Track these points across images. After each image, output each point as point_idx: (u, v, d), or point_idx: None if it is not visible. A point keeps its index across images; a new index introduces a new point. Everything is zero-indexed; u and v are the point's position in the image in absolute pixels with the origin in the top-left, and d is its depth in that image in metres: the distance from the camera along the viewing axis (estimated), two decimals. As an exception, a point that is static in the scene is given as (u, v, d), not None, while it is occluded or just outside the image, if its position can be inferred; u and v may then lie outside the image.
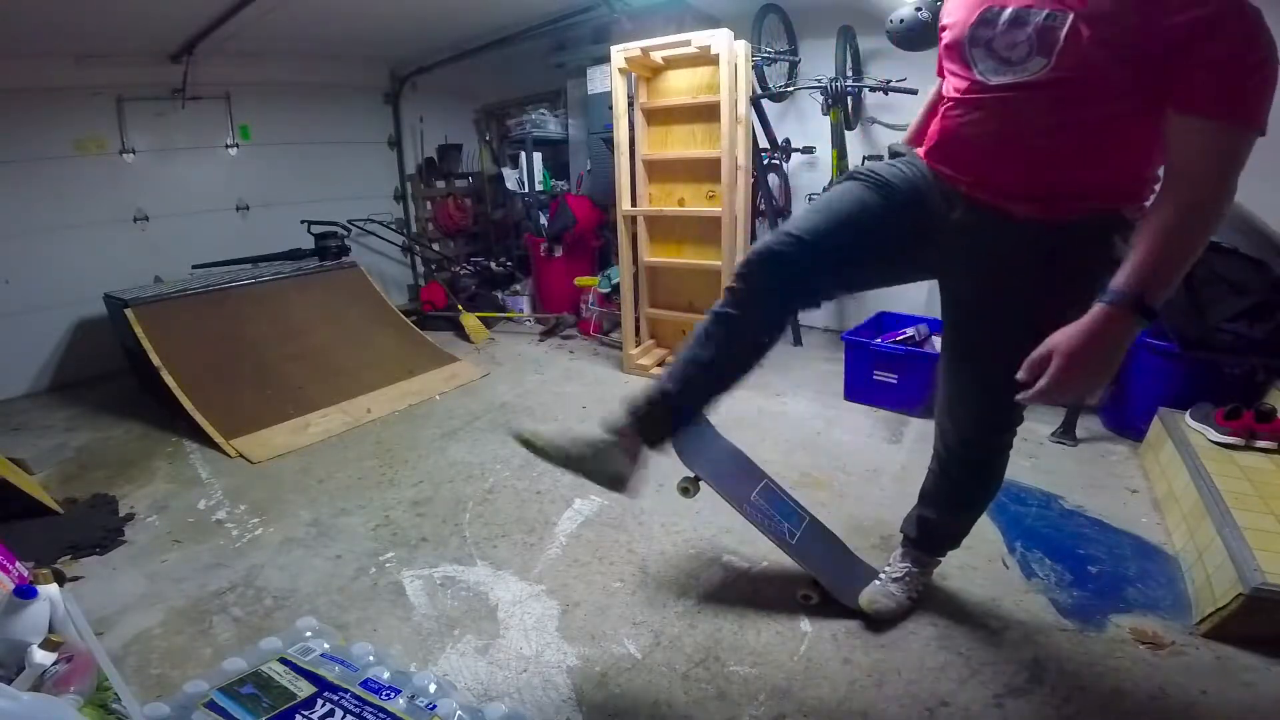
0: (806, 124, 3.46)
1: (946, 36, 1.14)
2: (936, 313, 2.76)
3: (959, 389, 1.29)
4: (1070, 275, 1.09)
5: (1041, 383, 0.96)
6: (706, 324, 1.28)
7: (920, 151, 1.23)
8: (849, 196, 1.21)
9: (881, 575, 1.52)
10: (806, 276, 1.19)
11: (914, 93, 2.78)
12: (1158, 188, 0.97)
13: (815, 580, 1.52)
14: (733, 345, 1.28)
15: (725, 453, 1.62)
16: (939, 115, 1.19)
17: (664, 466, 2.20)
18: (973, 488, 1.41)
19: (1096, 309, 0.94)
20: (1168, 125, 0.93)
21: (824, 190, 2.99)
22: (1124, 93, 0.95)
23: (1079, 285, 1.09)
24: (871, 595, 1.47)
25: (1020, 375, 0.99)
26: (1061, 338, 0.96)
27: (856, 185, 1.22)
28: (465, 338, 3.88)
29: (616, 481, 1.25)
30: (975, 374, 1.25)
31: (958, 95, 1.12)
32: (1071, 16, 0.93)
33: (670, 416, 1.30)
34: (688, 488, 1.46)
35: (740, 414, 2.67)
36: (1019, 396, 1.00)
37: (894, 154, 1.30)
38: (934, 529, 1.48)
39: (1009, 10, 1.00)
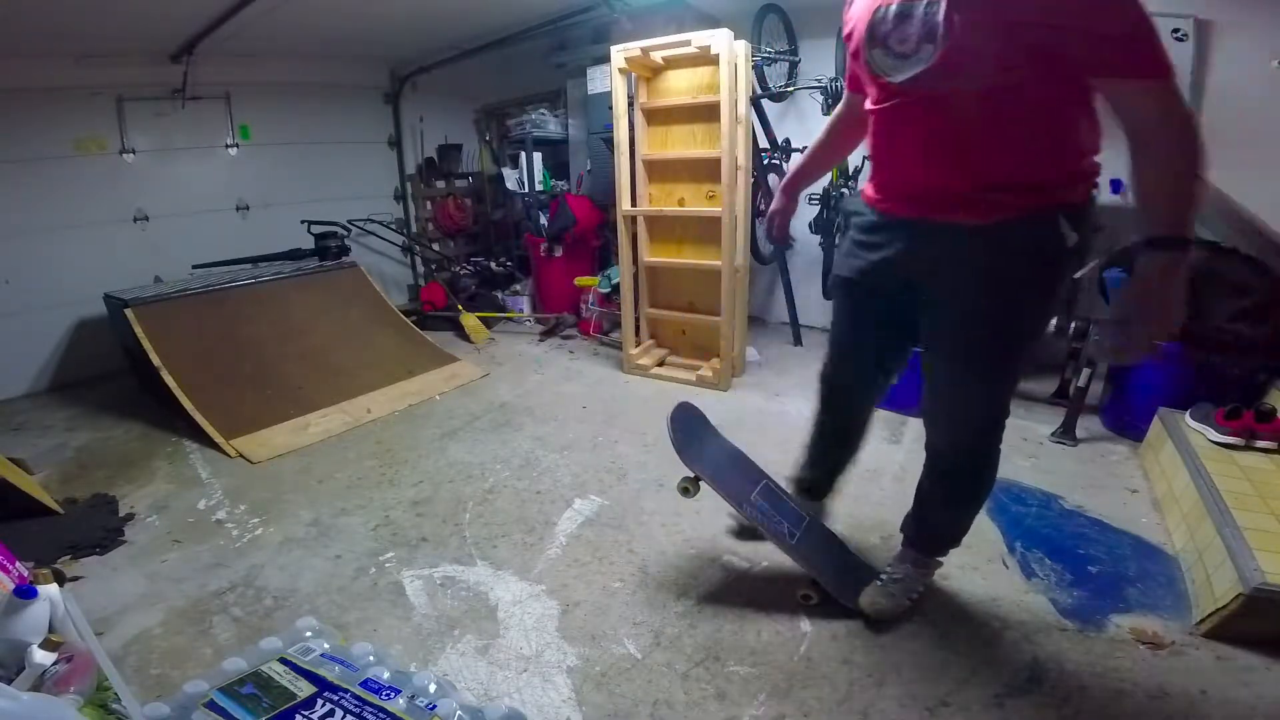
0: (806, 124, 3.46)
1: (850, 44, 1.20)
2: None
3: (937, 396, 1.32)
4: (1020, 273, 1.12)
5: (1129, 340, 1.01)
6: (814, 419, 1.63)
7: (863, 195, 1.31)
8: (841, 323, 1.45)
9: (882, 576, 1.52)
10: (859, 385, 1.48)
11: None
12: (1130, 159, 1.01)
13: (815, 580, 1.52)
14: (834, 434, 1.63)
15: (726, 453, 1.64)
16: (869, 150, 1.27)
17: (664, 466, 2.21)
18: (964, 487, 1.41)
19: (1144, 258, 0.99)
20: (1109, 99, 1.00)
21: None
22: (1013, 66, 0.99)
23: (1032, 281, 1.13)
24: (871, 596, 1.48)
25: (1110, 343, 1.05)
26: (1130, 300, 1.01)
27: (840, 304, 1.44)
28: (465, 338, 3.88)
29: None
30: (949, 379, 1.28)
31: (874, 108, 1.19)
32: (943, 2, 0.99)
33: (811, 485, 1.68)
34: (688, 487, 1.53)
35: (740, 414, 2.68)
36: (1115, 348, 1.05)
37: (847, 214, 1.44)
38: (931, 529, 1.49)
39: (894, 6, 1.06)
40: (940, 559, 1.54)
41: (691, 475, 1.48)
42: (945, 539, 1.50)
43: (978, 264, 1.13)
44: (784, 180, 1.59)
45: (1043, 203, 1.08)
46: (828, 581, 1.51)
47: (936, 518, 1.47)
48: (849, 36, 1.20)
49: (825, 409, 1.60)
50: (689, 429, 1.62)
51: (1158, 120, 0.96)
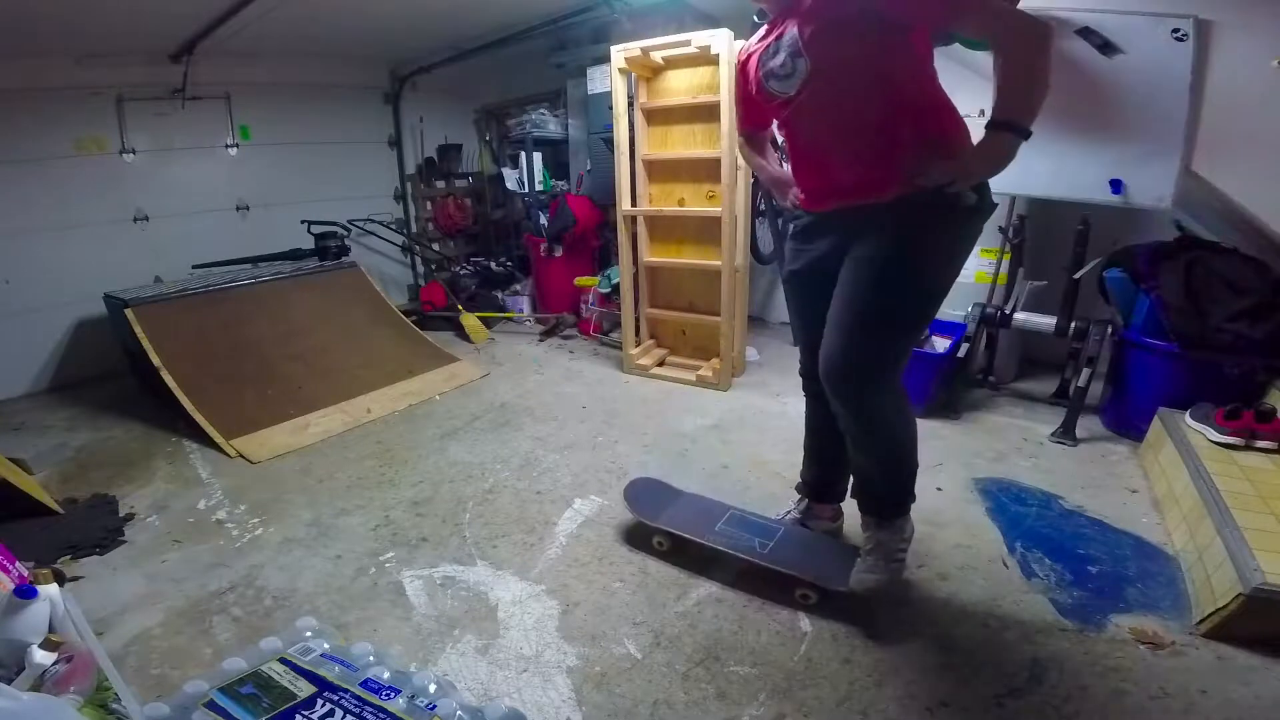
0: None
1: (752, 87, 1.47)
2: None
3: (832, 320, 1.41)
4: (928, 230, 1.32)
5: (943, 168, 1.24)
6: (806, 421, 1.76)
7: (799, 201, 1.55)
8: (800, 314, 1.64)
9: (859, 554, 1.52)
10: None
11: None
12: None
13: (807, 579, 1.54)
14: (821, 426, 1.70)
15: (684, 503, 1.87)
16: (790, 164, 1.54)
17: (664, 466, 2.21)
18: (863, 426, 1.43)
19: (986, 135, 1.21)
20: (972, 33, 1.29)
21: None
22: (872, 56, 1.26)
23: (937, 236, 1.33)
24: (855, 576, 1.48)
25: (925, 171, 1.26)
26: (955, 162, 1.26)
27: (794, 296, 1.64)
28: (465, 338, 3.89)
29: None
30: (846, 313, 1.39)
31: (782, 122, 1.48)
32: (797, 30, 1.31)
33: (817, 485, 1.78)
34: (661, 541, 1.75)
35: (740, 414, 2.68)
36: (925, 175, 1.26)
37: (786, 221, 1.63)
38: (866, 487, 1.53)
39: (770, 46, 1.39)
40: (902, 518, 1.51)
41: (661, 530, 1.72)
42: (887, 494, 1.50)
43: (889, 226, 1.33)
44: (771, 178, 1.72)
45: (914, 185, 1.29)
46: (813, 576, 1.53)
47: (865, 474, 1.52)
48: (747, 80, 1.49)
49: (810, 403, 1.72)
50: (646, 498, 1.87)
51: (990, 28, 1.20)
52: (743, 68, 1.52)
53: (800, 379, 1.70)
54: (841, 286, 1.39)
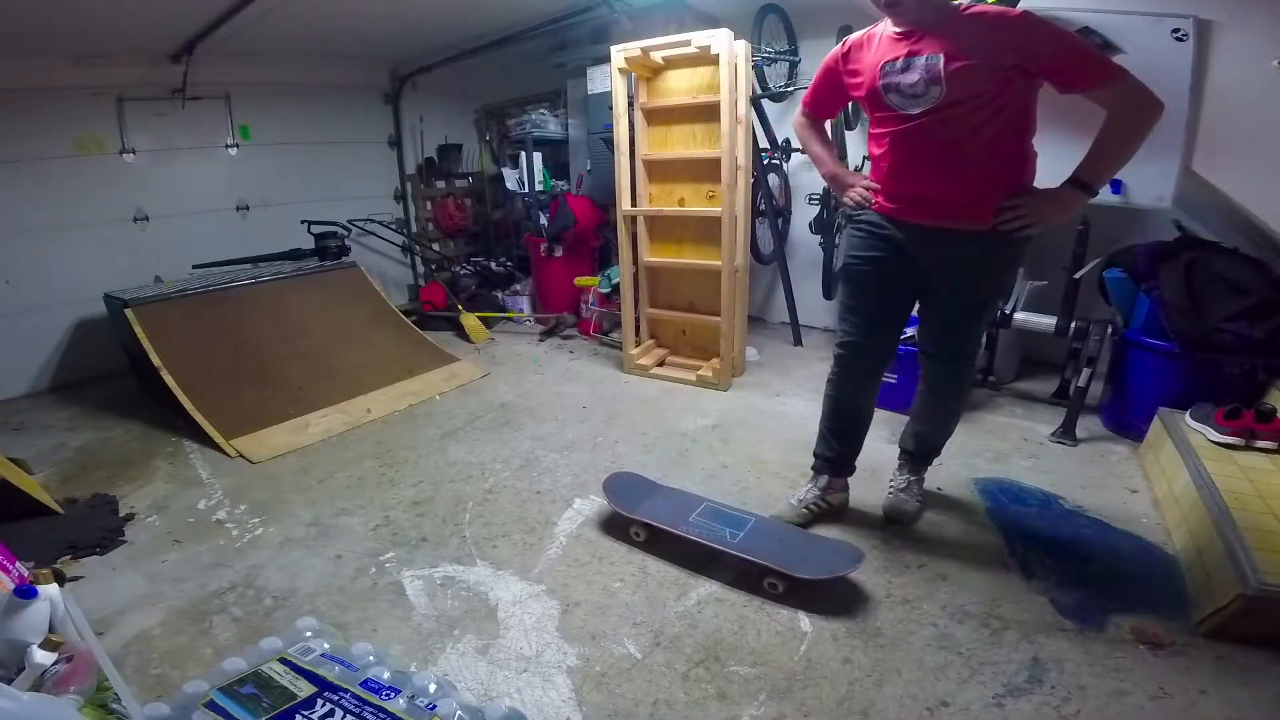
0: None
1: (860, 90, 1.56)
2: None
3: (937, 336, 1.75)
4: (1003, 259, 1.59)
5: (1017, 215, 1.46)
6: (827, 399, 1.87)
7: (873, 205, 1.65)
8: (859, 293, 1.72)
9: (890, 489, 1.91)
10: (874, 342, 1.75)
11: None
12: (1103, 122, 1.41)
13: (775, 570, 1.58)
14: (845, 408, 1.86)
15: (659, 495, 1.92)
16: (876, 170, 1.63)
17: (664, 465, 2.21)
18: (948, 396, 1.82)
19: (1063, 188, 1.45)
20: (1096, 100, 1.39)
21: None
22: (998, 95, 1.38)
23: (1010, 265, 1.66)
24: (891, 503, 1.87)
25: (1002, 216, 1.47)
26: (1036, 201, 1.46)
27: (857, 277, 1.71)
28: (465, 338, 3.88)
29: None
30: (950, 322, 1.72)
31: (886, 131, 1.54)
32: (942, 56, 1.38)
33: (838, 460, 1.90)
34: (638, 532, 1.81)
35: (741, 414, 2.68)
36: (1003, 221, 1.48)
37: (850, 218, 1.73)
38: (923, 439, 1.88)
39: (900, 60, 1.45)
40: (927, 466, 1.94)
41: (639, 521, 1.79)
42: (935, 446, 1.91)
43: (977, 261, 1.56)
44: (832, 173, 1.81)
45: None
46: (779, 563, 1.57)
47: (928, 430, 1.86)
48: (858, 83, 1.56)
49: (842, 378, 1.81)
50: (624, 491, 1.93)
51: (1127, 101, 1.36)
52: (847, 59, 1.59)
53: (840, 349, 1.78)
54: (951, 298, 1.65)
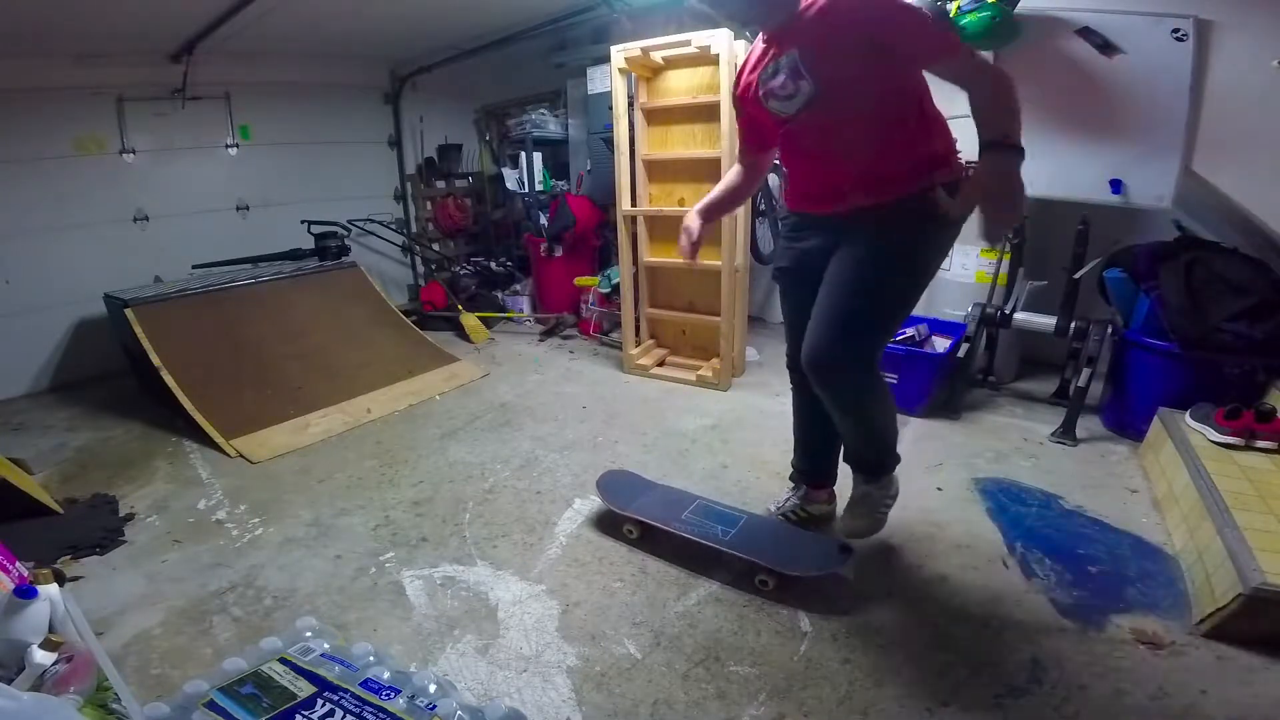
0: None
1: (747, 105, 1.53)
2: (935, 314, 2.75)
3: (817, 315, 1.48)
4: (908, 231, 1.40)
5: (963, 203, 1.31)
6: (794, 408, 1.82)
7: (785, 203, 1.65)
8: (788, 305, 1.68)
9: (848, 505, 1.68)
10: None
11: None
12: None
13: (766, 567, 1.58)
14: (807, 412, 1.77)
15: (653, 493, 1.93)
16: (784, 169, 1.63)
17: (664, 465, 2.21)
18: (847, 408, 1.53)
19: (983, 158, 1.26)
20: (940, 75, 1.32)
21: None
22: (865, 76, 1.32)
23: (917, 236, 1.42)
24: (842, 523, 1.69)
25: (949, 204, 1.34)
26: (976, 196, 1.28)
27: (784, 290, 1.68)
28: (465, 338, 3.88)
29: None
30: (832, 309, 1.47)
31: (779, 138, 1.52)
32: (798, 53, 1.36)
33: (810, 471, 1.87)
34: (631, 529, 1.82)
35: (740, 414, 2.68)
36: (950, 207, 1.34)
37: (777, 220, 1.65)
38: (852, 451, 1.65)
39: (769, 66, 1.42)
40: (887, 475, 1.63)
41: (631, 519, 1.79)
42: (873, 458, 1.62)
43: (875, 228, 1.42)
44: (699, 206, 1.74)
45: (919, 183, 1.37)
46: (769, 561, 1.58)
47: (852, 443, 1.63)
48: (745, 98, 1.52)
49: (797, 391, 1.77)
50: (618, 489, 1.93)
51: (969, 74, 1.29)
52: (743, 95, 1.53)
53: (788, 370, 1.74)
54: (827, 283, 1.47)
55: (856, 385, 1.48)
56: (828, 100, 1.36)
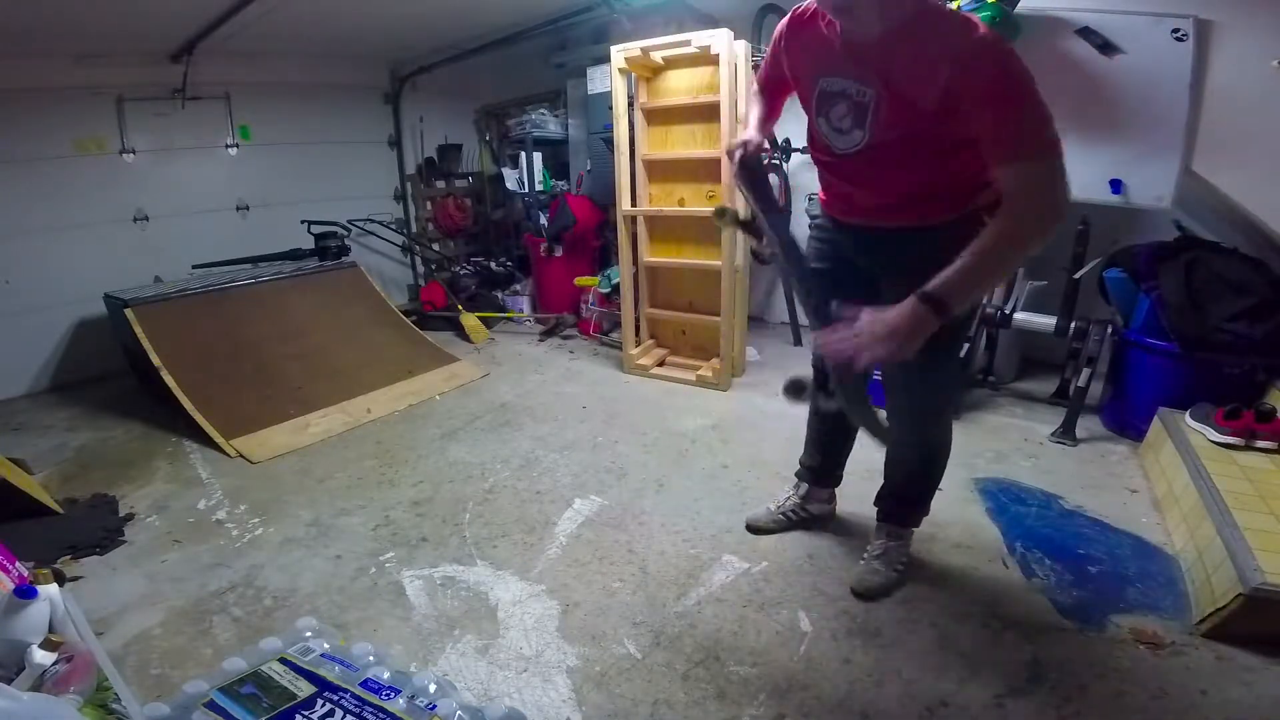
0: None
1: (799, 89, 1.40)
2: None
3: (894, 376, 1.48)
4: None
5: (841, 342, 1.12)
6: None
7: (820, 203, 1.55)
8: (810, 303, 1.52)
9: (864, 556, 1.65)
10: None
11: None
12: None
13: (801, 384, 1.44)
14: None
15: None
16: (821, 176, 1.49)
17: (664, 466, 2.21)
18: (925, 457, 1.57)
19: (910, 300, 1.07)
20: (992, 172, 1.11)
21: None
22: (927, 130, 1.16)
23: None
24: (858, 577, 1.60)
25: (825, 338, 1.17)
26: (873, 318, 1.10)
27: (808, 288, 1.49)
28: (465, 338, 3.88)
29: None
30: (902, 404, 1.50)
31: (822, 158, 1.41)
32: (873, 93, 1.19)
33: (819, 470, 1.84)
34: (802, 385, 1.46)
35: (740, 414, 2.68)
36: (817, 340, 1.23)
37: (811, 215, 1.59)
38: (893, 492, 1.65)
39: (836, 80, 1.26)
40: (911, 530, 1.66)
41: (796, 382, 1.43)
42: (914, 503, 1.64)
43: (914, 258, 1.23)
44: (753, 125, 1.59)
45: (963, 208, 1.26)
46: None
47: (899, 490, 1.63)
48: (797, 79, 1.39)
49: (818, 388, 1.67)
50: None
51: (1020, 198, 1.07)
52: (791, 37, 1.35)
53: (813, 368, 1.62)
54: (890, 389, 1.49)
55: (943, 442, 1.56)
56: (885, 148, 1.24)
